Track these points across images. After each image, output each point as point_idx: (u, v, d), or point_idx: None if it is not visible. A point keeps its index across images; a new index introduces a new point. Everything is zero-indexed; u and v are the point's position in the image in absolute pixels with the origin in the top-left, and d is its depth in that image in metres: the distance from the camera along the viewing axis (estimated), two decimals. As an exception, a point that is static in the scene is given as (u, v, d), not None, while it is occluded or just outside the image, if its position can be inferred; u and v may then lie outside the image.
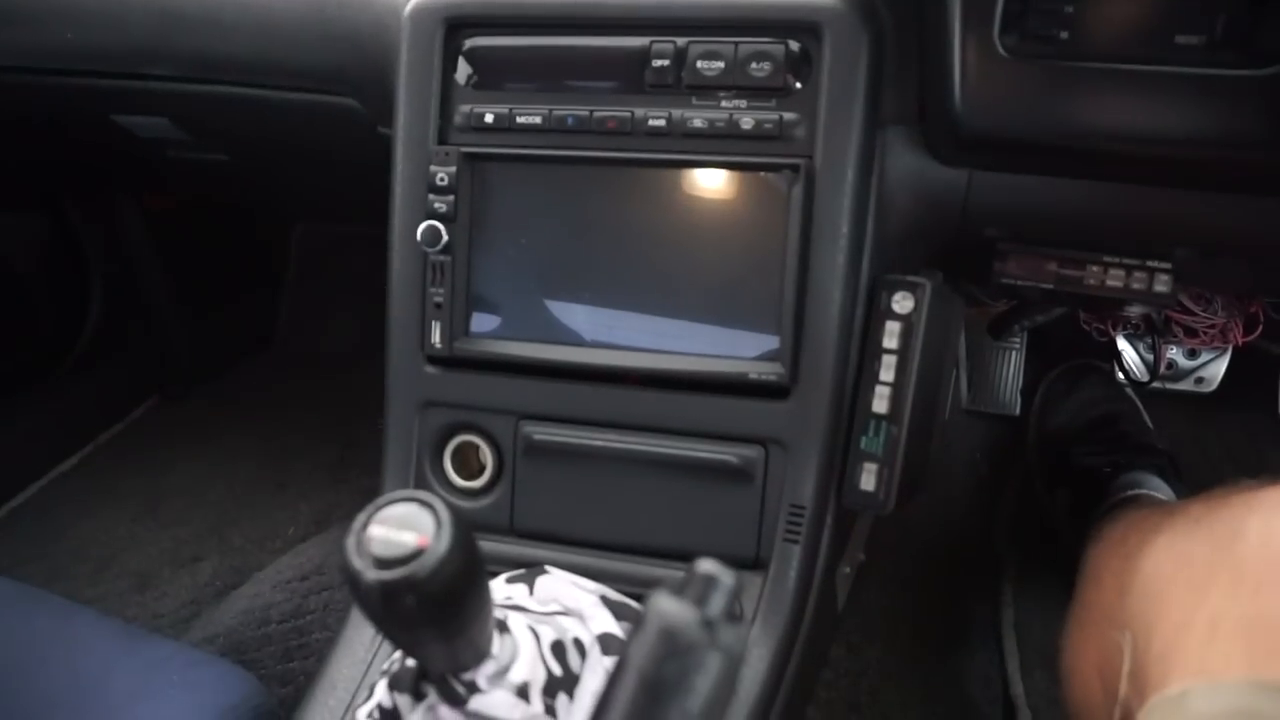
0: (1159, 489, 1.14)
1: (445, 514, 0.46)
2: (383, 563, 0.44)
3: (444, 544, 0.44)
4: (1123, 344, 1.17)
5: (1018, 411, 1.39)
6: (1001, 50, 0.62)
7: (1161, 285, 0.73)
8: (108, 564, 1.31)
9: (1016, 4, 0.62)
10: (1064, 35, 0.63)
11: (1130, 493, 1.12)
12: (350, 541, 0.45)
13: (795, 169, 0.68)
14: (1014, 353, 1.40)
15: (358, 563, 0.44)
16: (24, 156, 1.30)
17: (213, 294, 1.68)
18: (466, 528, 0.46)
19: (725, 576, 0.35)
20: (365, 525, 0.45)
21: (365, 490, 1.39)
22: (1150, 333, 1.10)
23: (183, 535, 1.36)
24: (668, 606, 0.35)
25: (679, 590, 0.36)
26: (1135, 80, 0.60)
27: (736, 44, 0.69)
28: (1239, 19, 0.60)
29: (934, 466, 0.85)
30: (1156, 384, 1.21)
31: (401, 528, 0.45)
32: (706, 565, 0.36)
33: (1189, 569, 0.51)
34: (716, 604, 0.35)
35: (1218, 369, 1.28)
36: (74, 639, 0.75)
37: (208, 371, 1.68)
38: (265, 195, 1.52)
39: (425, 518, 0.45)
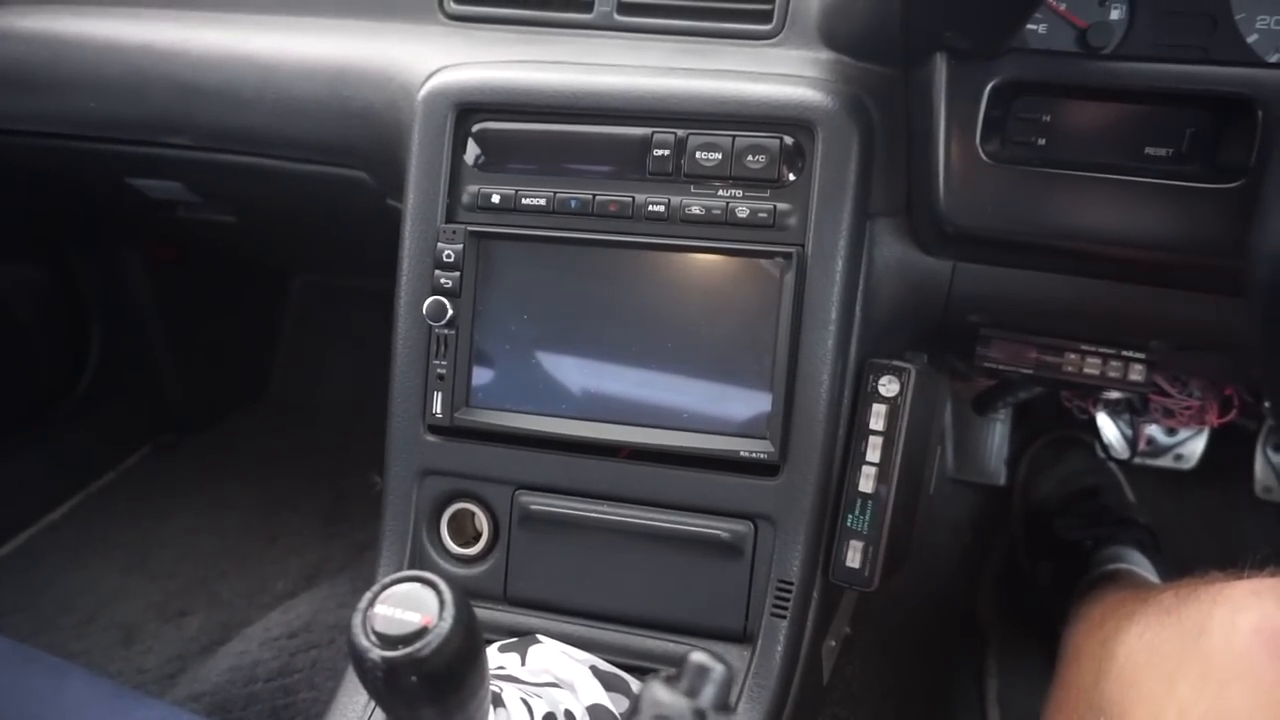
0: (1139, 563, 1.16)
1: (449, 594, 0.47)
2: (387, 641, 0.46)
3: (447, 623, 0.46)
4: (1103, 420, 1.20)
5: (1003, 481, 1.42)
6: (983, 155, 0.66)
7: (1136, 374, 0.76)
8: (94, 616, 1.31)
9: (997, 111, 0.67)
10: (1041, 142, 0.67)
11: (1111, 567, 1.14)
12: (356, 620, 0.46)
13: (788, 256, 0.72)
14: (999, 424, 1.43)
15: (363, 641, 0.46)
16: (33, 207, 1.33)
17: (210, 343, 1.70)
18: (469, 607, 0.48)
19: (716, 668, 0.37)
20: (371, 603, 0.47)
21: (357, 545, 1.41)
22: (1129, 411, 1.13)
23: (171, 588, 1.36)
24: (661, 696, 0.37)
25: (672, 681, 0.38)
26: (1108, 187, 0.64)
27: (734, 137, 0.73)
28: (1204, 134, 0.64)
29: (920, 537, 0.87)
30: (1137, 460, 1.24)
31: (406, 607, 0.47)
32: (698, 657, 0.38)
33: (1159, 660, 0.53)
34: (708, 695, 0.37)
35: (1196, 446, 1.31)
36: (66, 701, 0.76)
37: (202, 421, 1.69)
38: (269, 251, 1.55)
39: (429, 597, 0.47)
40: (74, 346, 1.55)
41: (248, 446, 1.68)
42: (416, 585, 0.48)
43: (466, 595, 0.48)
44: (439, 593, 0.47)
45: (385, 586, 0.48)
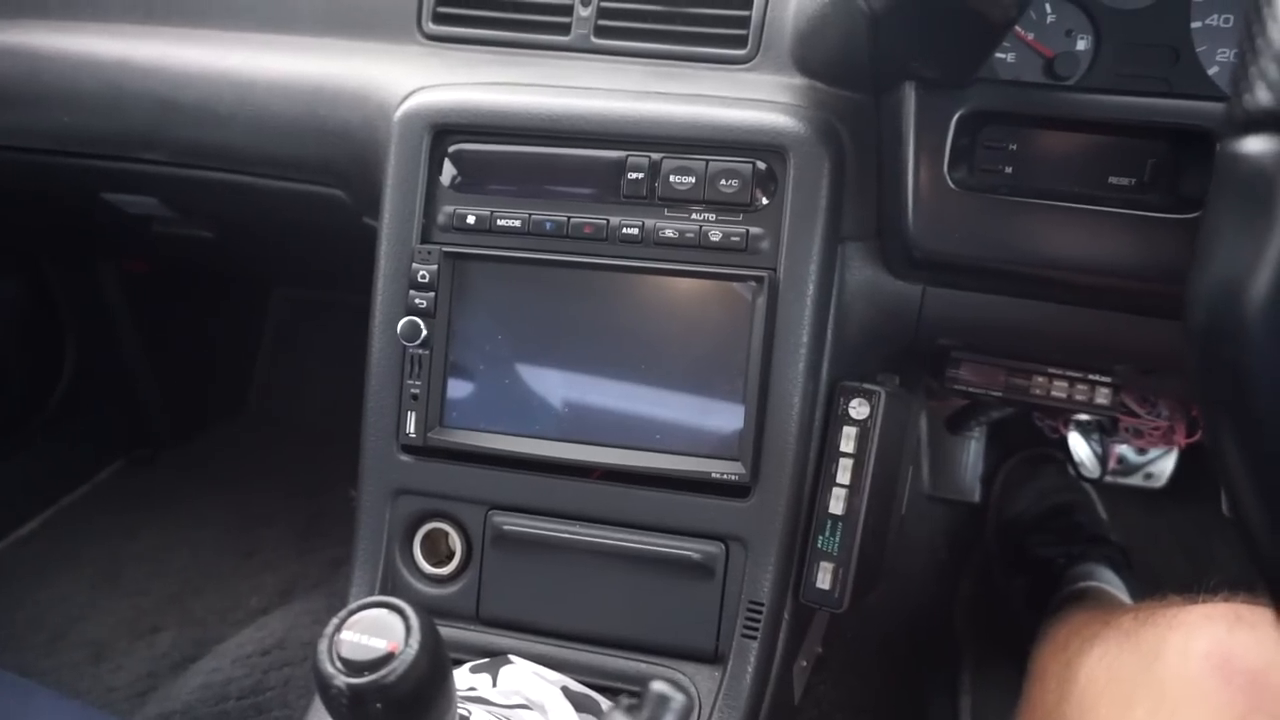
0: (1110, 581, 1.17)
1: (415, 619, 0.48)
2: (353, 667, 0.46)
3: (413, 650, 0.46)
4: (1075, 439, 1.22)
5: (978, 498, 1.43)
6: (951, 182, 0.67)
7: (1102, 397, 0.78)
8: (64, 633, 1.30)
9: (965, 140, 0.68)
10: (1008, 170, 0.68)
11: (1082, 585, 1.16)
12: (322, 646, 0.47)
13: (760, 280, 0.72)
14: (974, 441, 1.44)
15: (328, 668, 0.46)
16: (7, 221, 1.32)
17: (187, 357, 1.69)
18: (435, 632, 0.48)
19: (677, 697, 0.38)
20: (337, 629, 0.47)
21: (332, 560, 1.40)
22: (1099, 431, 1.15)
23: (143, 604, 1.35)
24: (623, 725, 0.37)
25: (634, 710, 0.38)
26: (1072, 215, 0.65)
27: (707, 161, 0.74)
28: (1166, 164, 0.65)
29: (895, 553, 0.87)
30: (1108, 479, 1.25)
31: (372, 633, 0.47)
32: (659, 686, 0.38)
33: (1117, 684, 0.54)
34: (668, 724, 0.38)
35: (1166, 465, 1.33)
36: (32, 721, 0.75)
37: (178, 435, 1.68)
38: (246, 265, 1.55)
39: (395, 623, 0.47)
40: (48, 360, 1.53)
41: (224, 461, 1.67)
42: (383, 611, 0.48)
43: (434, 620, 0.48)
44: (405, 618, 0.47)
45: (352, 612, 0.48)
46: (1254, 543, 0.28)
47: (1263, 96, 0.26)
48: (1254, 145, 0.27)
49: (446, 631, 0.78)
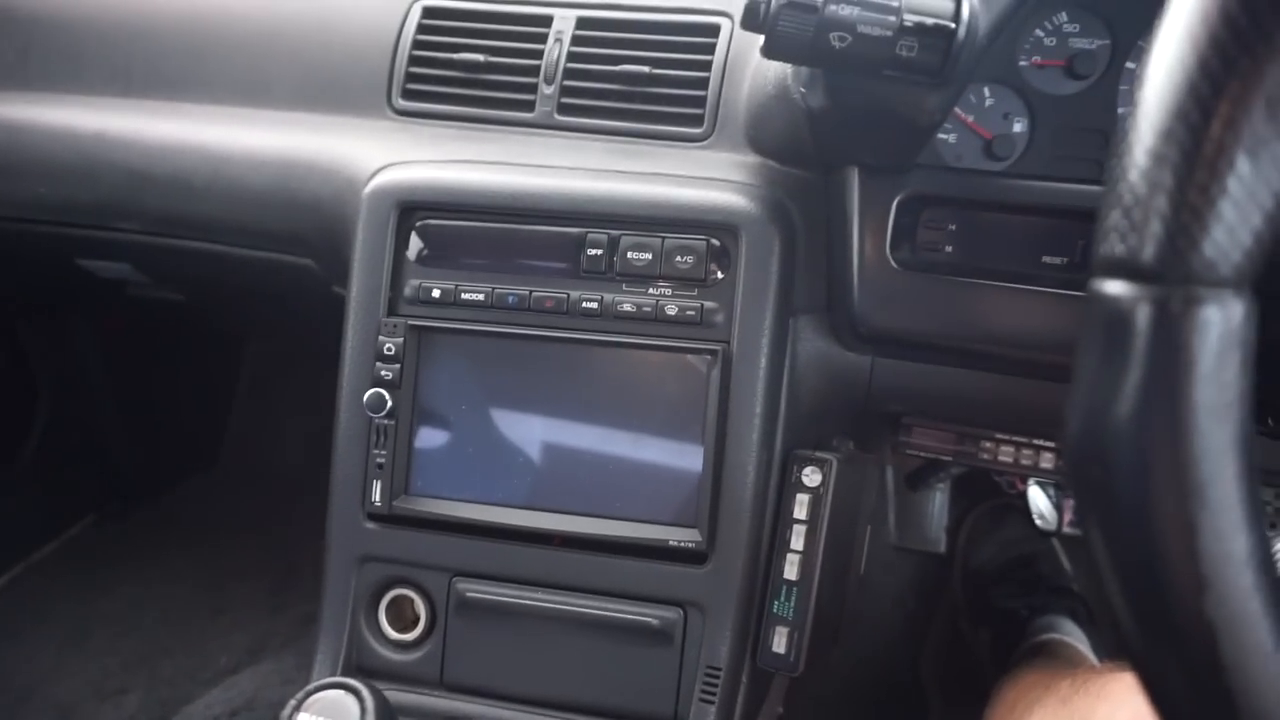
0: (1072, 633, 1.20)
1: (370, 701, 0.49)
2: (308, 750, 0.47)
3: (366, 733, 0.48)
4: (1034, 492, 1.25)
5: (943, 549, 1.45)
6: (893, 262, 0.70)
7: (1046, 462, 0.80)
8: (29, 695, 1.29)
9: (906, 220, 0.71)
10: (949, 249, 0.71)
11: (1044, 637, 1.18)
12: (278, 729, 0.48)
13: (714, 353, 0.75)
14: (939, 493, 1.47)
15: (284, 751, 0.47)
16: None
17: (160, 411, 1.69)
18: (390, 712, 0.50)
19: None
20: (295, 710, 0.49)
21: (303, 617, 1.40)
22: (1055, 486, 1.18)
23: (110, 665, 1.34)
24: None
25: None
26: (1008, 294, 0.69)
27: (664, 238, 0.77)
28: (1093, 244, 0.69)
29: (861, 604, 0.89)
30: (1066, 529, 1.28)
31: (329, 716, 0.48)
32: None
33: (1051, 751, 0.56)
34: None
35: (1124, 516, 1.35)
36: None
37: (150, 489, 1.67)
38: (219, 324, 1.56)
39: (351, 704, 0.49)
40: (19, 413, 1.53)
41: (197, 515, 1.66)
42: (340, 693, 0.50)
43: (388, 703, 0.50)
44: (360, 700, 0.49)
45: (309, 694, 0.50)
46: (1122, 634, 0.31)
47: (1116, 247, 0.29)
48: (1110, 288, 0.30)
49: (410, 698, 0.79)
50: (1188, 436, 0.28)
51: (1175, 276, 0.28)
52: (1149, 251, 0.28)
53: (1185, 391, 0.28)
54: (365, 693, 0.49)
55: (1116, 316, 0.29)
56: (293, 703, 0.49)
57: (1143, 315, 0.29)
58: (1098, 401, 0.30)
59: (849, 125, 0.62)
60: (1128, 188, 0.29)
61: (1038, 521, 1.20)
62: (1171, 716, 0.30)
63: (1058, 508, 1.22)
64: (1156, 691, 0.30)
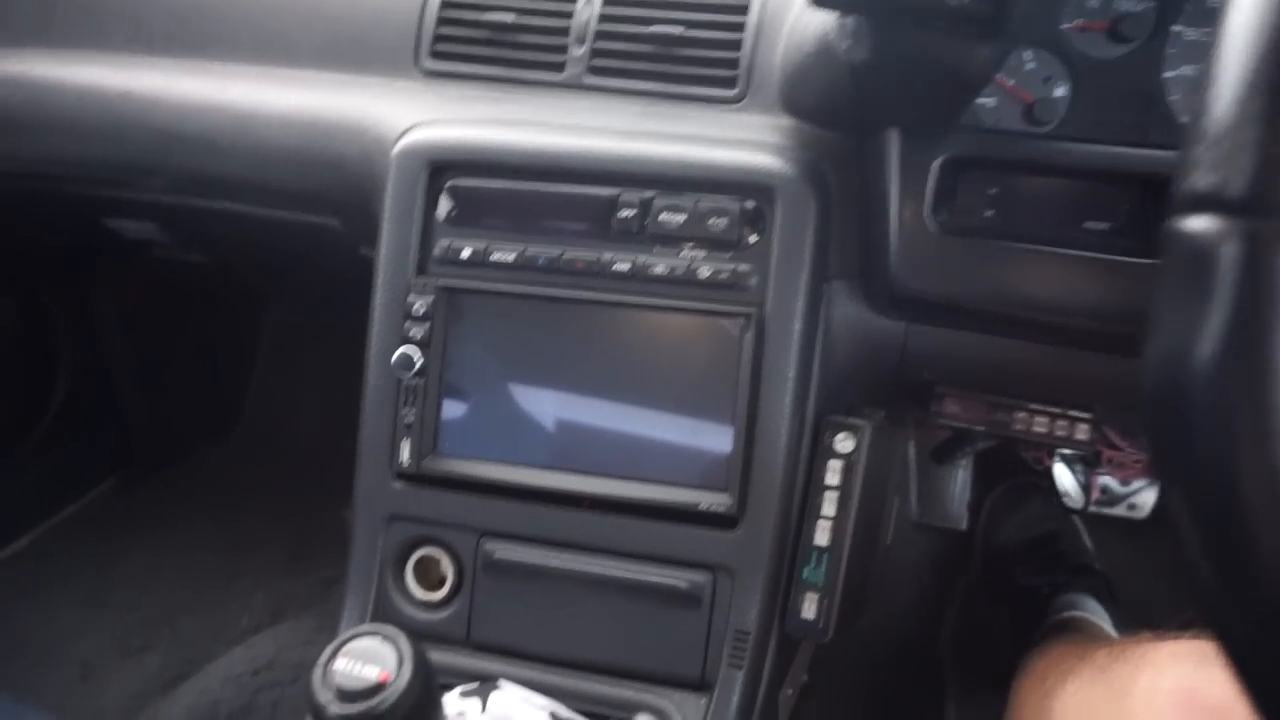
0: (1094, 611, 1.19)
1: (407, 648, 0.49)
2: (346, 696, 0.47)
3: (404, 679, 0.48)
4: (1059, 470, 1.24)
5: (964, 526, 1.45)
6: (932, 226, 0.69)
7: (1081, 433, 0.79)
8: (51, 651, 1.30)
9: (946, 184, 0.70)
10: (989, 214, 0.70)
11: (1066, 614, 1.17)
12: (316, 675, 0.48)
13: (747, 317, 0.74)
14: (962, 469, 1.46)
15: (322, 695, 0.47)
16: (4, 245, 1.33)
17: (179, 378, 1.69)
18: (427, 661, 0.50)
19: (660, 731, 0.39)
20: (332, 657, 0.49)
21: (323, 581, 1.41)
22: (1082, 463, 1.17)
23: (132, 623, 1.35)
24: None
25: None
26: (1050, 258, 0.68)
27: (697, 199, 0.76)
28: (1139, 209, 0.67)
29: (882, 580, 0.89)
30: (1092, 509, 1.27)
31: (365, 661, 0.48)
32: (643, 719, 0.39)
33: (1089, 718, 0.56)
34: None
35: (1149, 497, 1.35)
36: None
37: (169, 455, 1.68)
38: (242, 288, 1.56)
39: (388, 652, 0.49)
40: (40, 379, 1.54)
41: (215, 481, 1.67)
42: (376, 640, 0.49)
43: (424, 648, 0.50)
44: (397, 647, 0.49)
45: (346, 640, 0.49)
46: (1199, 592, 0.30)
47: (1200, 180, 0.28)
48: (1194, 224, 0.29)
49: (437, 655, 0.79)
50: (1277, 377, 0.27)
51: (1267, 208, 0.27)
52: (1238, 183, 0.27)
53: (1276, 329, 0.27)
54: (402, 639, 0.49)
55: (1200, 253, 0.28)
56: (330, 649, 0.49)
57: (1229, 251, 0.28)
58: (1178, 344, 0.29)
59: (894, 81, 0.61)
60: (1214, 119, 0.28)
61: (1064, 500, 1.19)
62: (1255, 679, 0.29)
63: (1084, 486, 1.21)
64: (1238, 652, 0.29)
